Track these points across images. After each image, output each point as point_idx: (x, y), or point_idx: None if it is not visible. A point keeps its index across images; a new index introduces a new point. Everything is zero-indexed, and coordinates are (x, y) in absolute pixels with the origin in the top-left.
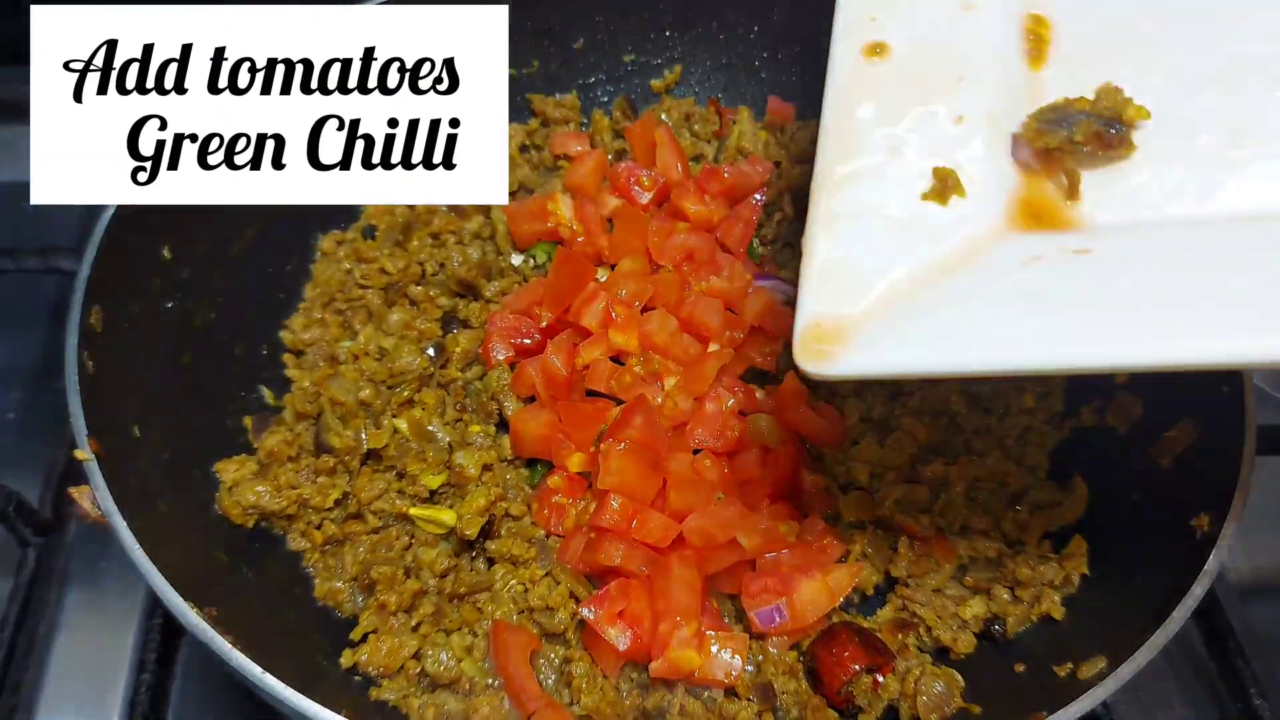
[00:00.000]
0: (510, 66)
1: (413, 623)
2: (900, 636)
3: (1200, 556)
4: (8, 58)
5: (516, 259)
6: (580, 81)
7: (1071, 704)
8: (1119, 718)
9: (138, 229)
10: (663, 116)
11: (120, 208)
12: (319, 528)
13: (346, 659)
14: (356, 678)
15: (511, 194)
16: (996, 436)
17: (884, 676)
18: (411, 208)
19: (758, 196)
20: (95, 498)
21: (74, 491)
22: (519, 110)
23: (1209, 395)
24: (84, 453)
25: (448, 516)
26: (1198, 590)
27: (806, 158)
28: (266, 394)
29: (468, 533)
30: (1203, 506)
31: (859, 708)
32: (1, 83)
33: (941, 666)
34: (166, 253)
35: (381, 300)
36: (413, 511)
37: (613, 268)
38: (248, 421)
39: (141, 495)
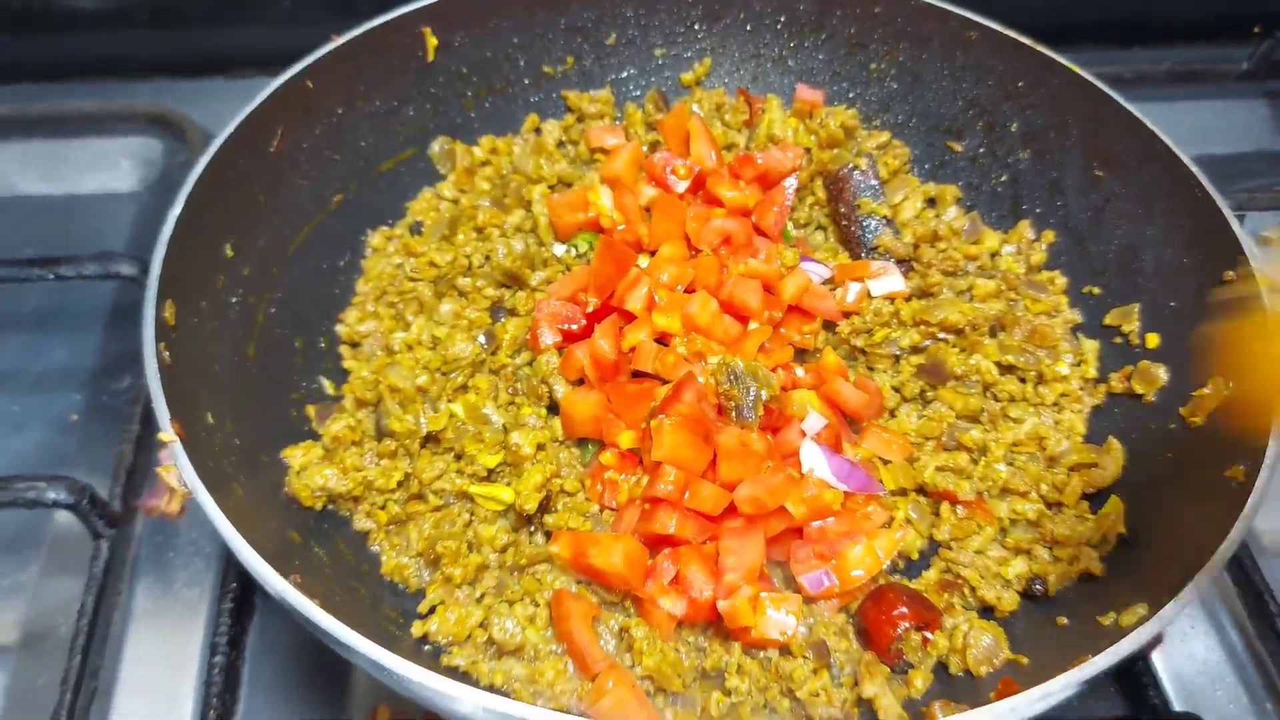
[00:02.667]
0: (545, 65)
1: (477, 594)
2: (946, 596)
3: (1239, 502)
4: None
5: (559, 249)
6: (613, 77)
7: (1118, 644)
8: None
9: (202, 229)
10: (694, 108)
11: (184, 209)
12: (383, 508)
13: (417, 629)
14: (427, 647)
15: (550, 188)
16: (1032, 404)
17: (932, 634)
18: (455, 203)
19: (790, 181)
20: (181, 476)
21: (161, 470)
22: (555, 106)
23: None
24: (168, 434)
25: (506, 493)
26: (1235, 535)
27: (836, 142)
28: (326, 384)
29: (526, 507)
30: (1237, 459)
31: (909, 664)
32: (55, 98)
33: (988, 621)
34: (229, 250)
35: (431, 292)
36: (472, 489)
37: (653, 254)
38: (311, 411)
39: (219, 477)
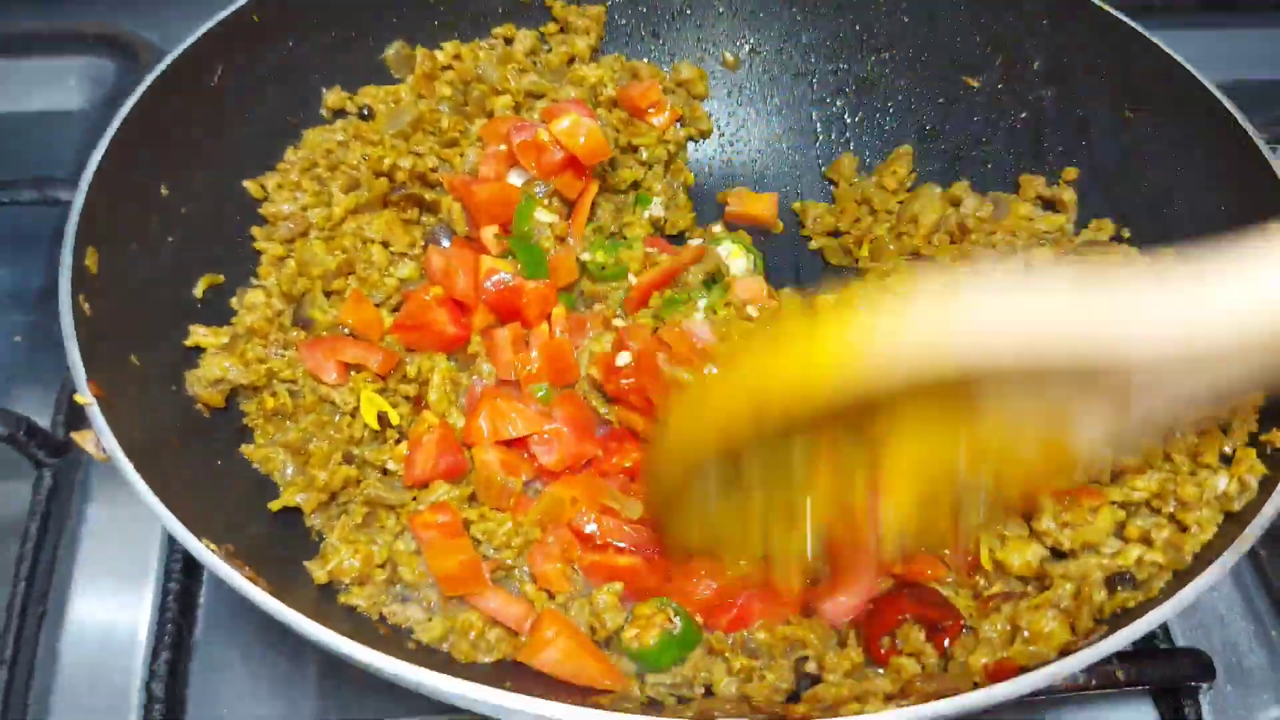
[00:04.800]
0: None
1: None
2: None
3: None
4: None
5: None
6: None
7: (1135, 623)
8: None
9: (134, 167)
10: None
11: (109, 149)
12: (274, 395)
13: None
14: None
15: (516, 104)
16: None
17: (952, 641)
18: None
19: None
20: (98, 441)
21: (76, 436)
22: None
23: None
24: (84, 396)
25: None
26: (1269, 510)
27: None
28: None
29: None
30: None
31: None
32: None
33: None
34: (164, 189)
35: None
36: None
37: None
38: None
39: (149, 435)
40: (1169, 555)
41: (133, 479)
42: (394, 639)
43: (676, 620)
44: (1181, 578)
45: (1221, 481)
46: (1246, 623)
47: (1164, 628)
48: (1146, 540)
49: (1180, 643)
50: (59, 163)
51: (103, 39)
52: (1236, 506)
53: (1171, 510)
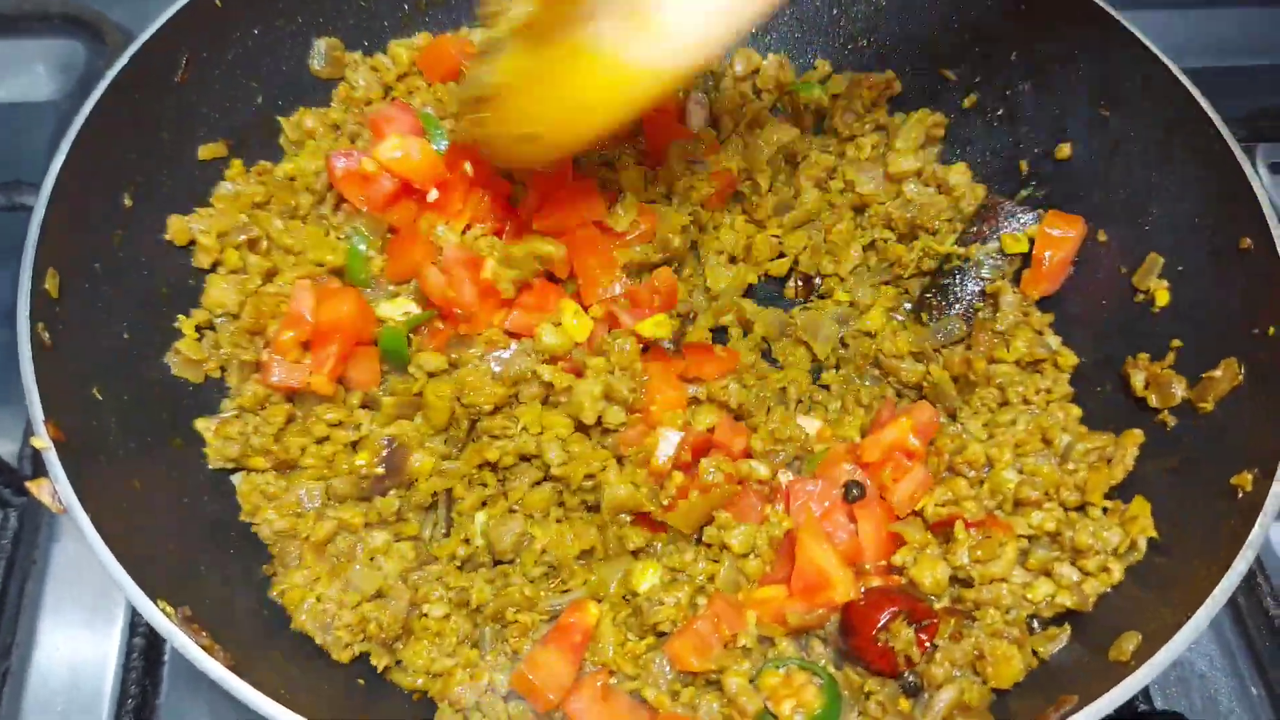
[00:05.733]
0: None
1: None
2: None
3: (1245, 523)
4: None
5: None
6: None
7: (1111, 691)
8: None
9: (96, 175)
10: None
11: (67, 160)
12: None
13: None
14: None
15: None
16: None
17: (931, 640)
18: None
19: None
20: (55, 491)
21: (31, 486)
22: None
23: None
24: (41, 440)
25: None
26: (1240, 565)
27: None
28: None
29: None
30: (1246, 462)
31: (912, 665)
32: None
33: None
34: (127, 200)
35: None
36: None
37: None
38: None
39: (110, 476)
40: (1075, 598)
41: (89, 533)
42: None
43: (817, 679)
44: (1153, 641)
45: (1114, 537)
46: (1227, 679)
47: (1144, 689)
48: (1047, 572)
49: (1159, 703)
50: (29, 161)
51: (70, 20)
52: (1130, 562)
53: (1070, 555)
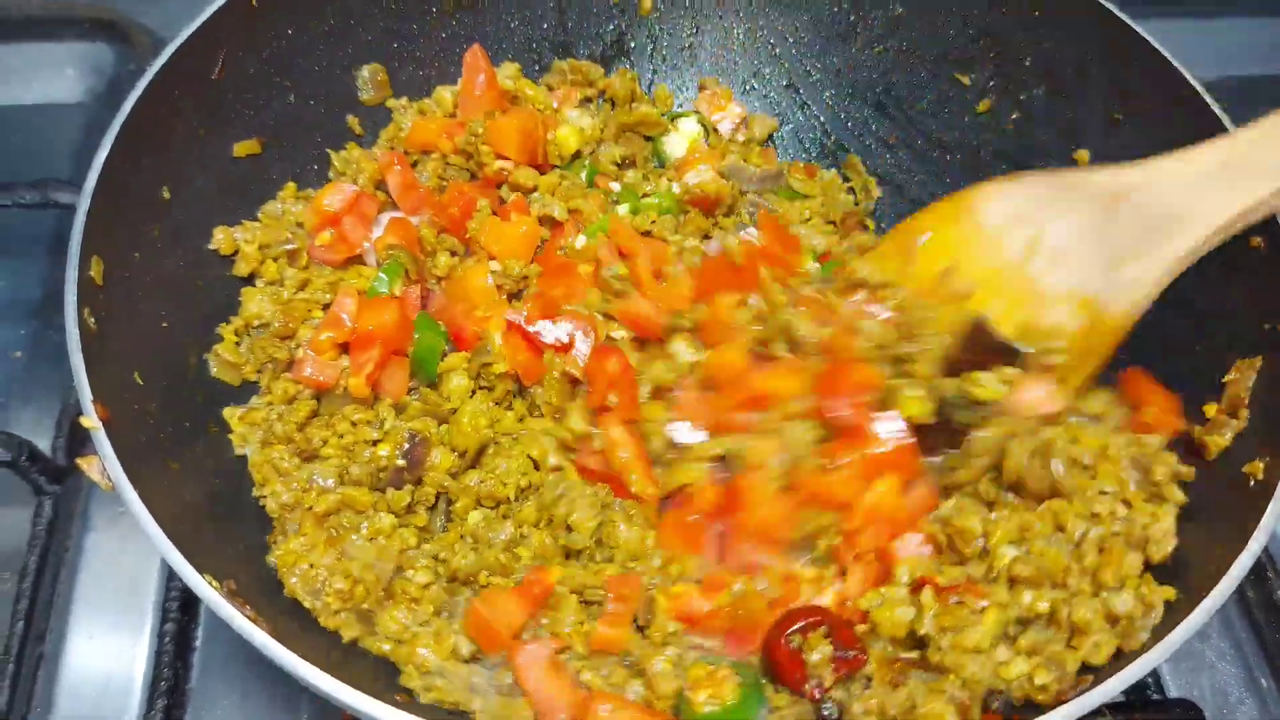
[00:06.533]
0: None
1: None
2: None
3: (1254, 511)
4: None
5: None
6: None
7: (1124, 671)
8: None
9: (137, 170)
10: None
11: (111, 152)
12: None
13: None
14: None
15: None
16: None
17: (849, 671)
18: None
19: None
20: (104, 468)
21: (82, 462)
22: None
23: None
24: (90, 420)
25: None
26: (1254, 546)
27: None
28: None
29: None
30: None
31: (833, 707)
32: None
33: None
34: (165, 193)
35: None
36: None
37: None
38: None
39: (150, 454)
40: (1053, 674)
41: (137, 510)
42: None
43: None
44: (1169, 621)
45: (1123, 602)
46: (1237, 669)
47: (1155, 677)
48: (1033, 653)
49: (1172, 692)
50: (59, 160)
51: (98, 23)
52: (1137, 630)
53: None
